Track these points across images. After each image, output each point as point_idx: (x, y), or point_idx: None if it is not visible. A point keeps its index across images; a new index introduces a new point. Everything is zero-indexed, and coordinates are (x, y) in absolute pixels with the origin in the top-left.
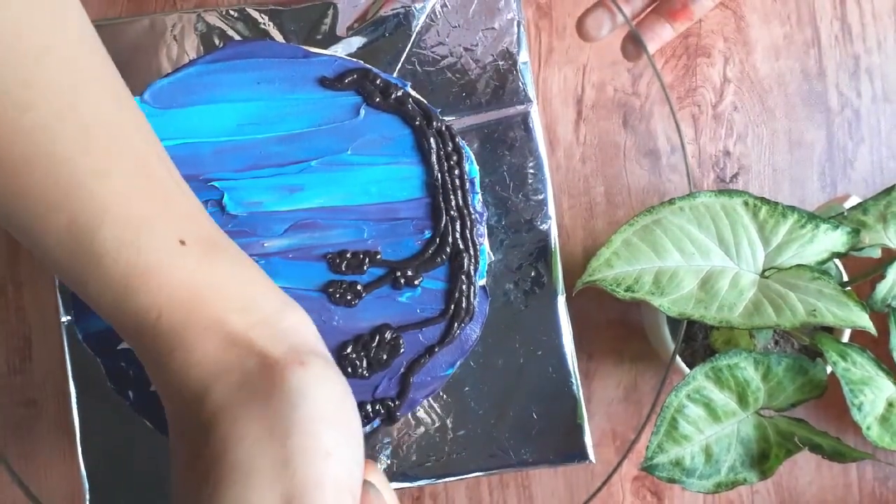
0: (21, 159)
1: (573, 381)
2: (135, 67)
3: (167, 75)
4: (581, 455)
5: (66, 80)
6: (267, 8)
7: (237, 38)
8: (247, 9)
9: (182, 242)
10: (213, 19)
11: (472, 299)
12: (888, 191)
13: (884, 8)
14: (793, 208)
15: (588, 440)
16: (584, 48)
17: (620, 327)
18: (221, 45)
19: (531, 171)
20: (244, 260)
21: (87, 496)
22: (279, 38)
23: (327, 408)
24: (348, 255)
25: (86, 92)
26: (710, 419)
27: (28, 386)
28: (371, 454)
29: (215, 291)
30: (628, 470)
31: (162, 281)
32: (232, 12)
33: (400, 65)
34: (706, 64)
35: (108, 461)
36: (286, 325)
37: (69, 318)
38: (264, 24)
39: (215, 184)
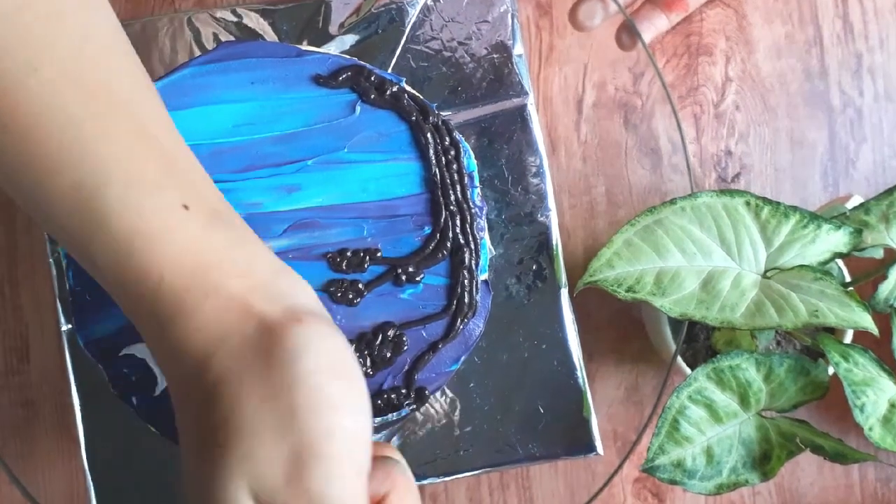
0: (27, 121)
1: (578, 373)
2: None
3: (160, 78)
4: (589, 448)
5: (74, 43)
6: (259, 7)
7: (230, 38)
8: (239, 9)
9: (186, 207)
10: (205, 20)
11: (474, 294)
12: (891, 191)
13: (886, 6)
14: (795, 208)
15: (595, 432)
16: (584, 47)
17: (621, 327)
18: (214, 46)
19: (529, 163)
20: (245, 228)
21: (94, 502)
22: (272, 37)
23: (328, 361)
24: (348, 254)
25: (94, 57)
26: (712, 420)
27: (26, 386)
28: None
29: (216, 257)
30: (629, 471)
31: (165, 244)
32: (224, 13)
33: (394, 61)
34: (708, 63)
35: (114, 467)
36: (281, 286)
37: (70, 326)
38: (257, 23)
39: None
